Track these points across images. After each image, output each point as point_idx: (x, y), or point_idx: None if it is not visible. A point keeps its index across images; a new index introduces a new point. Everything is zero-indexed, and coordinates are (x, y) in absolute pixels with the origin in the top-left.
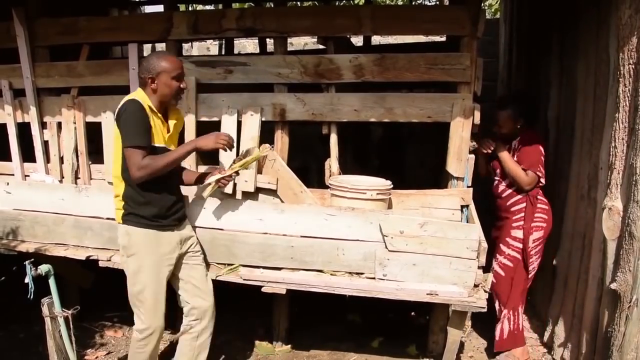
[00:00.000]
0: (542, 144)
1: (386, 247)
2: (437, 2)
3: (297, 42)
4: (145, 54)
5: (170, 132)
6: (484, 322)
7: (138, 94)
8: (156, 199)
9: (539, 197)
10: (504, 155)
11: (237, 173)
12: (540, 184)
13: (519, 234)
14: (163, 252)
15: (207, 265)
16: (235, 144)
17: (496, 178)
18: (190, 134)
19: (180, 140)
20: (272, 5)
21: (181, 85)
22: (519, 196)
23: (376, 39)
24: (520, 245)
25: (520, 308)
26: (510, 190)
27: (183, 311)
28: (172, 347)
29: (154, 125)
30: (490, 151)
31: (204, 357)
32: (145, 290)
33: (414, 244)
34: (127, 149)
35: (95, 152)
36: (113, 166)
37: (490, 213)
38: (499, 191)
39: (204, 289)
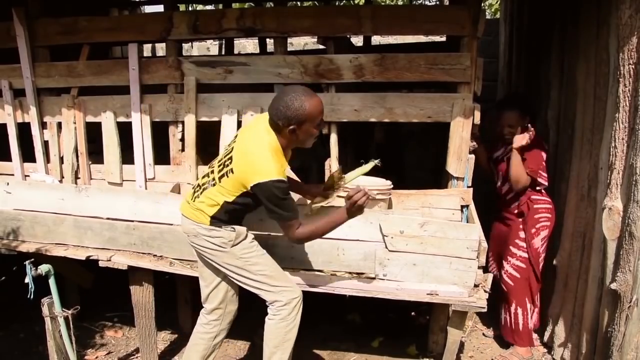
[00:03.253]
0: (544, 149)
1: (386, 247)
2: (437, 2)
3: (297, 42)
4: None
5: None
6: (484, 322)
7: (274, 153)
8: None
9: (537, 197)
10: (516, 156)
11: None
12: (541, 186)
13: (523, 235)
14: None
15: None
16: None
17: (499, 180)
18: (190, 134)
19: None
20: (272, 5)
21: (320, 128)
22: (521, 197)
23: (376, 39)
24: (525, 255)
25: (532, 305)
26: (514, 192)
27: (204, 307)
28: (171, 347)
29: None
30: (531, 138)
31: (213, 357)
32: (272, 268)
33: (414, 244)
34: (284, 222)
35: (95, 152)
36: (216, 192)
37: (491, 212)
38: (503, 192)
39: (237, 293)
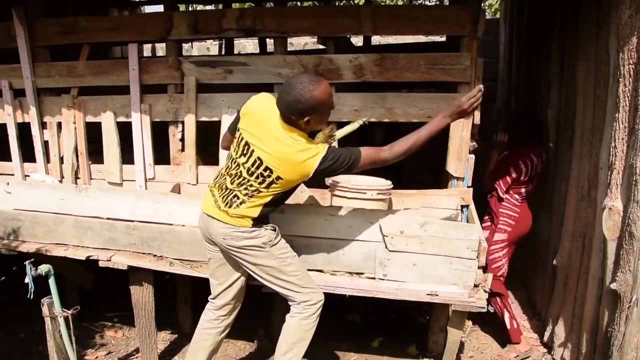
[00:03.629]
0: (516, 170)
1: (386, 247)
2: (437, 2)
3: (297, 42)
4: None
5: None
6: (484, 322)
7: (300, 141)
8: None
9: (507, 198)
10: (494, 155)
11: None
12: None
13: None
14: None
15: None
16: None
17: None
18: (190, 134)
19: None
20: (272, 5)
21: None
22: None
23: (376, 39)
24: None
25: (507, 299)
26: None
27: (212, 303)
28: (171, 347)
29: None
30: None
31: (216, 352)
32: (302, 270)
33: (414, 244)
34: (365, 158)
35: (95, 152)
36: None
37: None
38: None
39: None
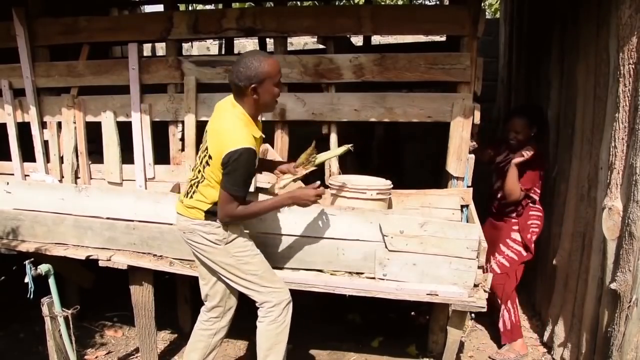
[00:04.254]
0: (542, 167)
1: (386, 247)
2: (437, 2)
3: (297, 42)
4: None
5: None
6: (484, 322)
7: (241, 121)
8: None
9: (531, 204)
10: (514, 171)
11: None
12: (531, 198)
13: (517, 236)
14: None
15: None
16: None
17: (496, 183)
18: (190, 134)
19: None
20: (272, 5)
21: (280, 91)
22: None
23: (376, 39)
24: (519, 248)
25: (516, 301)
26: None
27: (205, 305)
28: (171, 347)
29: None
30: (528, 156)
31: (213, 356)
32: (264, 269)
33: (414, 244)
34: (225, 192)
35: (96, 152)
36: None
37: (485, 211)
38: (498, 196)
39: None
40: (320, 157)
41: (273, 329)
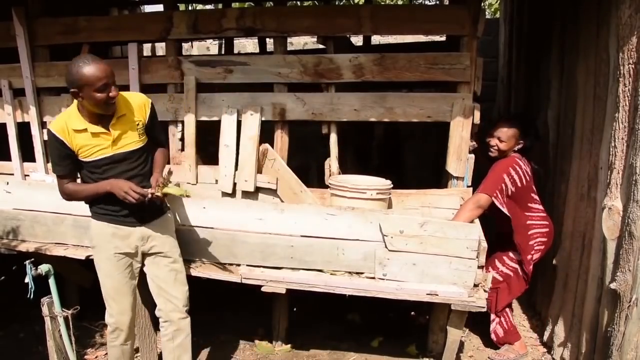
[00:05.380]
0: (508, 173)
1: (386, 247)
2: (437, 2)
3: (297, 42)
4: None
5: (116, 135)
6: (484, 322)
7: (63, 114)
8: (106, 197)
9: (530, 222)
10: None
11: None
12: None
13: (516, 255)
14: (117, 245)
15: (183, 270)
16: (146, 198)
17: None
18: (189, 133)
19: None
20: (272, 5)
21: (110, 94)
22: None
23: (376, 39)
24: (515, 266)
25: (507, 310)
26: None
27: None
28: None
29: (79, 144)
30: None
31: (187, 359)
32: (105, 282)
33: (414, 244)
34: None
35: None
36: None
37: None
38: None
39: (170, 291)
40: (171, 188)
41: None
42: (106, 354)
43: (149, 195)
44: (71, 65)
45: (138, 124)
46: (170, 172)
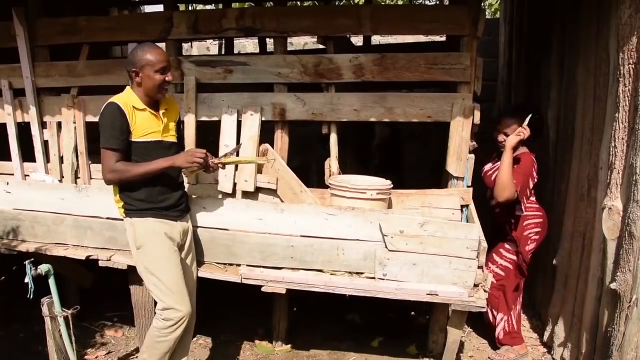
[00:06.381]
0: (531, 173)
1: (386, 247)
2: (437, 2)
3: (297, 42)
4: None
5: (165, 122)
6: (484, 322)
7: (122, 94)
8: (148, 191)
9: (527, 212)
10: (508, 158)
11: (223, 166)
12: (526, 201)
13: (512, 246)
14: (169, 237)
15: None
16: (209, 160)
17: (489, 192)
18: (190, 134)
19: (179, 132)
20: (272, 5)
21: (166, 78)
22: (508, 216)
23: (376, 39)
24: (513, 257)
25: (513, 311)
26: (500, 207)
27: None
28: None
29: (138, 122)
30: (524, 135)
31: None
32: (164, 278)
33: (413, 244)
34: (102, 150)
35: (96, 152)
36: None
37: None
38: (493, 202)
39: (191, 291)
40: (232, 159)
41: (152, 332)
42: (107, 354)
43: (214, 160)
44: (136, 47)
45: (175, 122)
46: (239, 145)
